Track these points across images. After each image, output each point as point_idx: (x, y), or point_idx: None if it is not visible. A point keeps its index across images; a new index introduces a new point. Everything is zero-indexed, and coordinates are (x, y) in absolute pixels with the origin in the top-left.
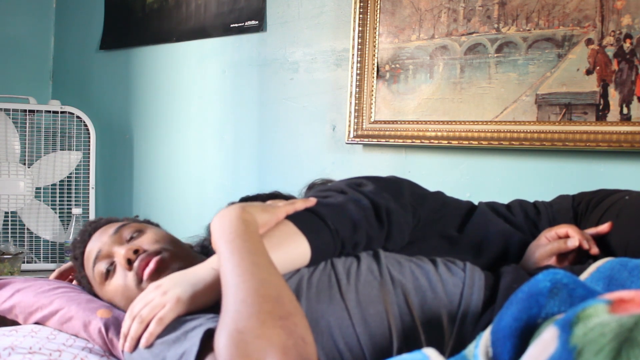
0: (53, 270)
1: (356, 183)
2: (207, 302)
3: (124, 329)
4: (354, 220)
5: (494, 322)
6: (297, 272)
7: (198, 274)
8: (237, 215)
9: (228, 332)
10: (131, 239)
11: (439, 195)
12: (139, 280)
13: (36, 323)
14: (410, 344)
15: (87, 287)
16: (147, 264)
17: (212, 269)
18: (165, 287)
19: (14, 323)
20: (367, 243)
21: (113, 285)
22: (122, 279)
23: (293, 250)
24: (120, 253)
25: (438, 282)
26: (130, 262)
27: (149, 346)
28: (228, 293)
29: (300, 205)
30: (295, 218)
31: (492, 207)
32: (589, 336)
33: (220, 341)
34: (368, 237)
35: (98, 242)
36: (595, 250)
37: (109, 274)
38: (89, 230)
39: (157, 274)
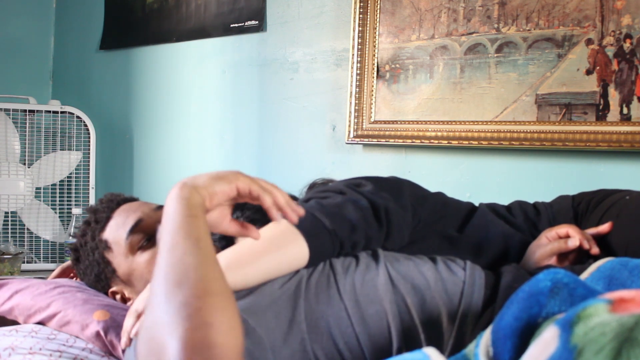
0: (53, 271)
1: (355, 183)
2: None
3: (276, 201)
4: (352, 220)
5: (494, 321)
6: (297, 273)
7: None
8: (175, 195)
9: (145, 316)
10: None
11: (440, 195)
12: None
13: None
14: (410, 343)
15: (92, 255)
16: None
17: None
18: (132, 307)
19: (14, 322)
20: (366, 243)
21: (145, 258)
22: None
23: (291, 251)
24: None
25: (438, 281)
26: None
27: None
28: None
29: (281, 200)
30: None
31: (493, 208)
32: (590, 336)
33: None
34: (367, 237)
35: (138, 212)
36: (595, 250)
37: (143, 245)
38: (117, 200)
39: None
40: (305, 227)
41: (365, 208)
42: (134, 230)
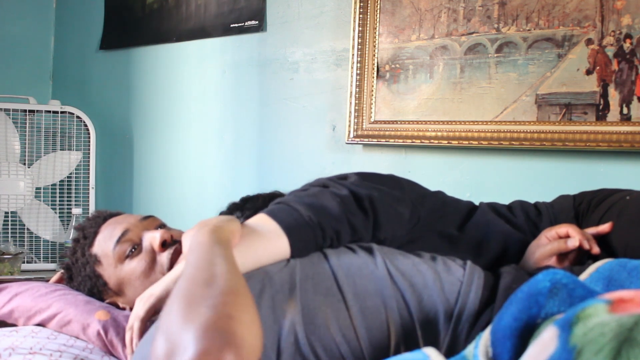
0: (53, 271)
1: (340, 177)
2: None
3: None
4: (329, 208)
5: (493, 322)
6: (287, 263)
7: (169, 274)
8: (204, 231)
9: (162, 314)
10: (160, 228)
11: (439, 194)
12: (170, 266)
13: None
14: (408, 339)
15: (83, 270)
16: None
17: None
18: (144, 295)
19: (13, 326)
20: (353, 232)
21: (133, 266)
22: (146, 261)
23: (271, 242)
24: (155, 236)
25: (436, 280)
26: (164, 245)
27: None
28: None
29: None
30: (270, 211)
31: (493, 207)
32: (589, 336)
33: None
34: (351, 225)
35: (124, 223)
36: (596, 249)
37: (130, 254)
38: (103, 215)
39: None
40: (281, 217)
41: (345, 197)
42: (120, 240)
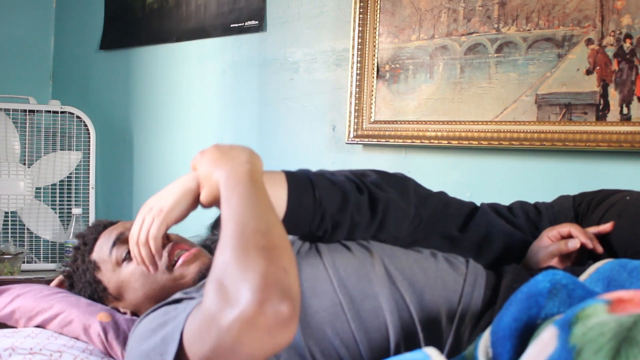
0: (53, 271)
1: (361, 173)
2: (189, 205)
3: (137, 259)
4: (341, 200)
5: (493, 322)
6: None
7: (176, 184)
8: (246, 169)
9: (215, 262)
10: None
11: (442, 195)
12: (170, 265)
13: (37, 327)
14: (409, 341)
15: (84, 277)
16: (183, 253)
17: (190, 176)
18: (149, 205)
19: (14, 327)
20: (351, 228)
21: (131, 269)
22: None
23: (272, 192)
24: None
25: (437, 279)
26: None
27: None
28: (222, 231)
29: None
30: (290, 174)
31: (494, 208)
32: (588, 335)
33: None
34: (352, 221)
35: (119, 228)
36: (599, 249)
37: (126, 257)
38: (104, 223)
39: (190, 262)
40: (295, 183)
41: (363, 195)
42: (115, 243)
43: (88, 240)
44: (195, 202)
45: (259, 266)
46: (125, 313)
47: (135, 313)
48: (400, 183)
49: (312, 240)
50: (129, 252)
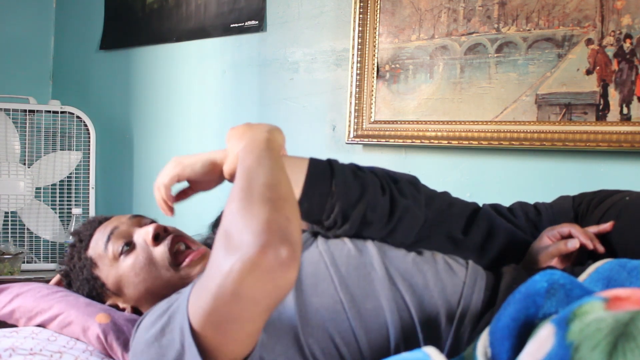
0: (53, 271)
1: (393, 174)
2: (207, 171)
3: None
4: (358, 196)
5: (492, 322)
6: None
7: (204, 152)
8: (264, 138)
9: (224, 214)
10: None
11: (446, 196)
12: (176, 263)
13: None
14: (409, 341)
15: (81, 274)
16: (189, 253)
17: (219, 150)
18: (176, 158)
19: (13, 327)
20: (362, 225)
21: (129, 262)
22: (143, 256)
23: (290, 172)
24: (148, 230)
25: (437, 281)
26: (157, 238)
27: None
28: (233, 187)
29: None
30: (313, 160)
31: (495, 208)
32: (585, 332)
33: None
34: (364, 219)
35: (114, 222)
36: (600, 248)
37: (124, 251)
38: (99, 219)
39: (197, 262)
40: (316, 171)
41: (382, 198)
42: (110, 238)
43: (83, 237)
44: (217, 173)
45: (263, 214)
46: (124, 309)
47: (136, 308)
48: (414, 186)
49: (323, 230)
50: (126, 245)
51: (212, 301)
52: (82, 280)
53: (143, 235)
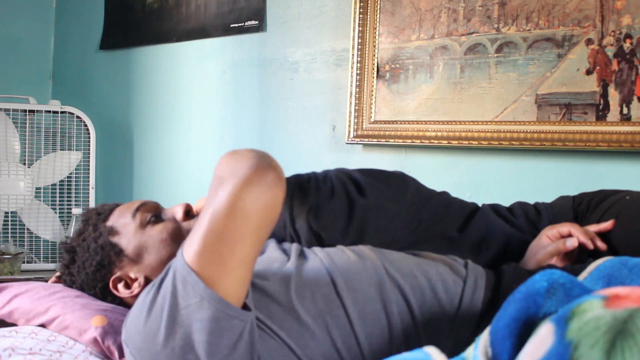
0: (53, 271)
1: (345, 175)
2: None
3: None
4: (302, 209)
5: (492, 322)
6: (282, 271)
7: None
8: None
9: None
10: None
11: (444, 195)
12: None
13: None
14: (410, 343)
15: (93, 244)
16: None
17: None
18: None
19: (13, 326)
20: (319, 234)
21: (158, 229)
22: (173, 226)
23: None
24: (177, 209)
25: (438, 282)
26: (188, 214)
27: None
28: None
29: None
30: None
31: (494, 208)
32: (584, 330)
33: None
34: (314, 227)
35: (140, 201)
36: (603, 246)
37: (152, 221)
38: (113, 204)
39: None
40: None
41: (331, 202)
42: (139, 209)
43: (102, 210)
44: None
45: (249, 159)
46: (135, 280)
47: (148, 278)
48: (396, 182)
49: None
50: (153, 216)
51: (207, 224)
52: (93, 250)
53: (173, 211)
